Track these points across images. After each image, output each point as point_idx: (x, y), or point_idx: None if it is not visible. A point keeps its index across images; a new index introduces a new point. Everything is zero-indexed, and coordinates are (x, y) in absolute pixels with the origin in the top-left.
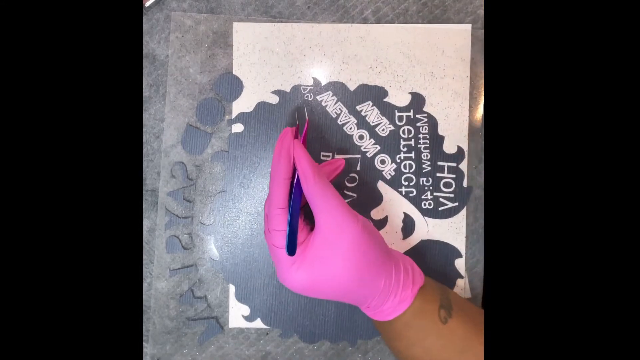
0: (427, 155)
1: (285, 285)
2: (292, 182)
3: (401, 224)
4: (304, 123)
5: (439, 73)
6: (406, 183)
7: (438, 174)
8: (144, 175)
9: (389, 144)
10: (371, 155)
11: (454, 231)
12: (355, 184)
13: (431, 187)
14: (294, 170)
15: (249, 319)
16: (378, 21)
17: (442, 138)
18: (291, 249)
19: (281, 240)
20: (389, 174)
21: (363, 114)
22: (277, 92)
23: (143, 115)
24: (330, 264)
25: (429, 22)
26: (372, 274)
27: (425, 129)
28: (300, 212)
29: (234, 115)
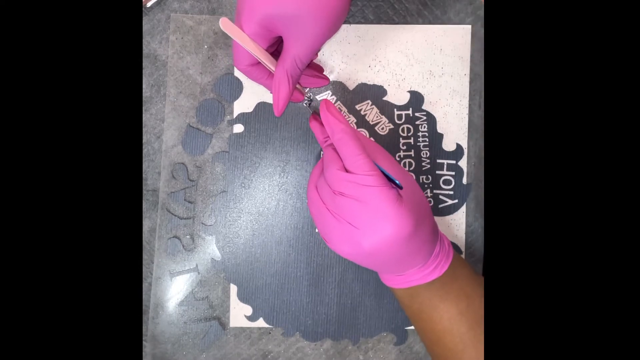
0: (426, 153)
1: (380, 241)
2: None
3: None
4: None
5: (437, 71)
6: None
7: (437, 172)
8: (144, 175)
9: (389, 143)
10: None
11: (454, 228)
12: None
13: (431, 185)
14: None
15: (251, 318)
16: (379, 21)
17: (441, 136)
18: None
19: (379, 178)
20: None
21: (362, 113)
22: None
23: (144, 115)
24: (417, 201)
25: (430, 22)
26: (433, 218)
27: (424, 127)
28: None
29: (234, 115)
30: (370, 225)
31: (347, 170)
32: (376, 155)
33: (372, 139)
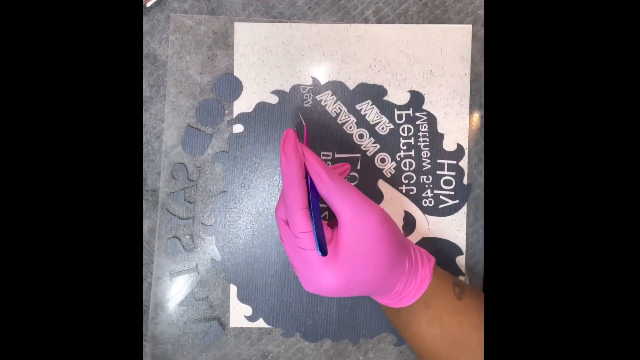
0: (426, 153)
1: (319, 291)
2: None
3: (402, 222)
4: (302, 129)
5: (437, 71)
6: (406, 181)
7: (438, 172)
8: (144, 176)
9: (389, 143)
10: (371, 154)
11: (454, 228)
12: (355, 183)
13: (431, 185)
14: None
15: (251, 319)
16: (379, 21)
17: (441, 136)
18: (323, 248)
19: (310, 242)
20: (389, 172)
21: (362, 112)
22: (276, 92)
23: (144, 115)
24: (363, 254)
25: (430, 22)
26: (399, 255)
27: (425, 127)
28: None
29: (234, 115)
30: (306, 275)
31: (287, 221)
32: (331, 195)
33: (347, 163)
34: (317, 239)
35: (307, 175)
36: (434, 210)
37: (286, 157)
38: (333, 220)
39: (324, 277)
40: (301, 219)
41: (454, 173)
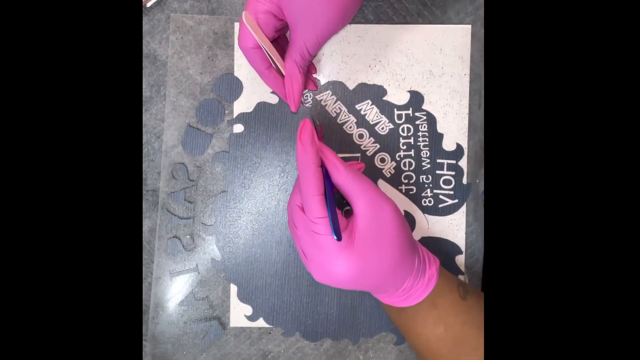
0: (426, 153)
1: (330, 279)
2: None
3: None
4: (317, 129)
5: (437, 71)
6: (406, 181)
7: (437, 172)
8: (144, 175)
9: (389, 143)
10: (371, 153)
11: (454, 228)
12: None
13: (431, 185)
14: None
15: (251, 318)
16: (379, 21)
17: (441, 135)
18: (338, 233)
19: (326, 227)
20: (389, 172)
21: (362, 112)
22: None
23: (144, 115)
24: (378, 243)
25: (429, 22)
26: (410, 250)
27: (424, 126)
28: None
29: (234, 115)
30: (319, 262)
31: (303, 208)
32: (347, 185)
33: (361, 162)
34: (332, 224)
35: (322, 166)
36: (434, 210)
37: (302, 144)
38: (348, 210)
39: (338, 264)
40: (317, 205)
41: (453, 173)
